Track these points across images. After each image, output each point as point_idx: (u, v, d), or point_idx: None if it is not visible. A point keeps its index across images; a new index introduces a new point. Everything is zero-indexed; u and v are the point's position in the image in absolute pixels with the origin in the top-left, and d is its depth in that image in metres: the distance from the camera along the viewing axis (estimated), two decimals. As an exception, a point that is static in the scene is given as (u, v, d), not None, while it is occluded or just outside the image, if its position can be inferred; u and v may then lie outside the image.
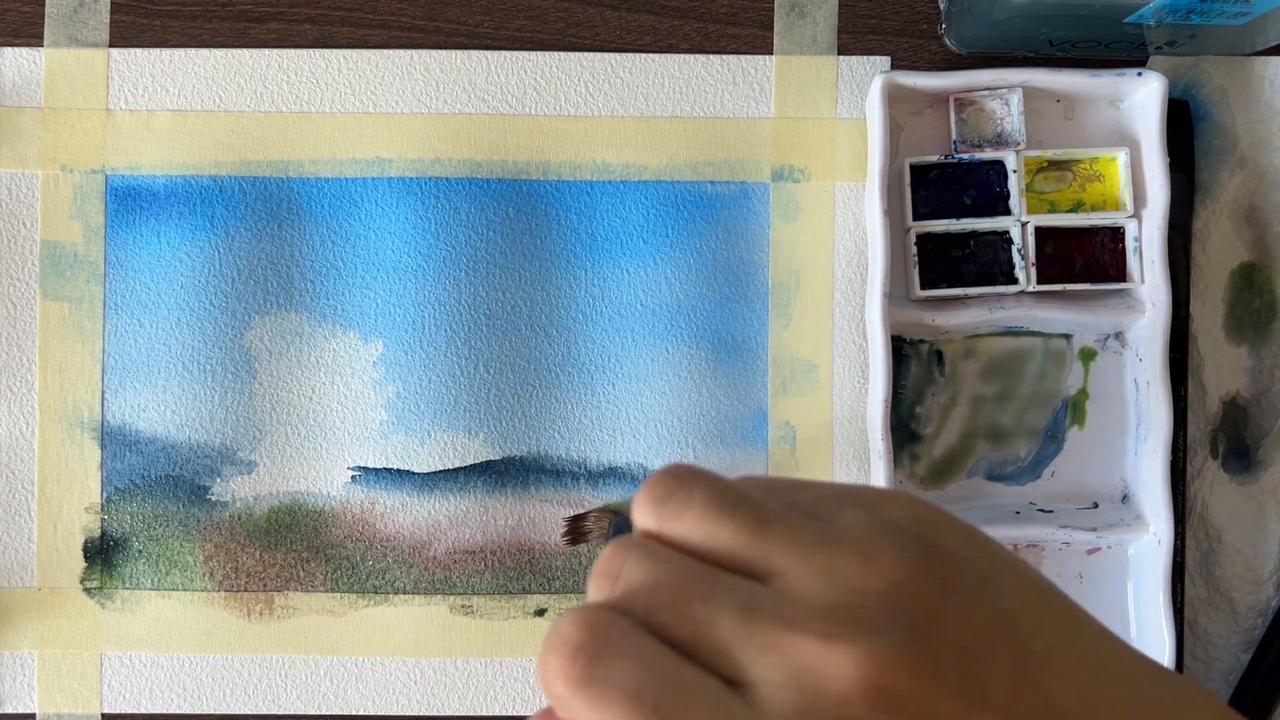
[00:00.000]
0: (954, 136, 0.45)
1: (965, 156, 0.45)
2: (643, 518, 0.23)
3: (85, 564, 0.46)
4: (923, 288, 0.44)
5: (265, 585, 0.46)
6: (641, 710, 0.21)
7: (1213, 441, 0.46)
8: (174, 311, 0.46)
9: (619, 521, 0.26)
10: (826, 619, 0.21)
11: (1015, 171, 0.44)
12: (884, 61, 0.47)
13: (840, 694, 0.21)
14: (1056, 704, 0.22)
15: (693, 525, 0.23)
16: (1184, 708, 0.23)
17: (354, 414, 0.46)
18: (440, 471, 0.46)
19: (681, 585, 0.22)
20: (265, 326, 0.46)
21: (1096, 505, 0.46)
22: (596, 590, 0.23)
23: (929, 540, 0.23)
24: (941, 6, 0.47)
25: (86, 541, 0.46)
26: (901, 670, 0.21)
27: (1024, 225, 0.44)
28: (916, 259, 0.44)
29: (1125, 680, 0.23)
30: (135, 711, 0.46)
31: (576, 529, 0.35)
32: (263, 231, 0.46)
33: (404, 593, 0.46)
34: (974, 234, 0.45)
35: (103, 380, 0.46)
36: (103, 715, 0.46)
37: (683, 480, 0.23)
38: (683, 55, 0.46)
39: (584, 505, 0.45)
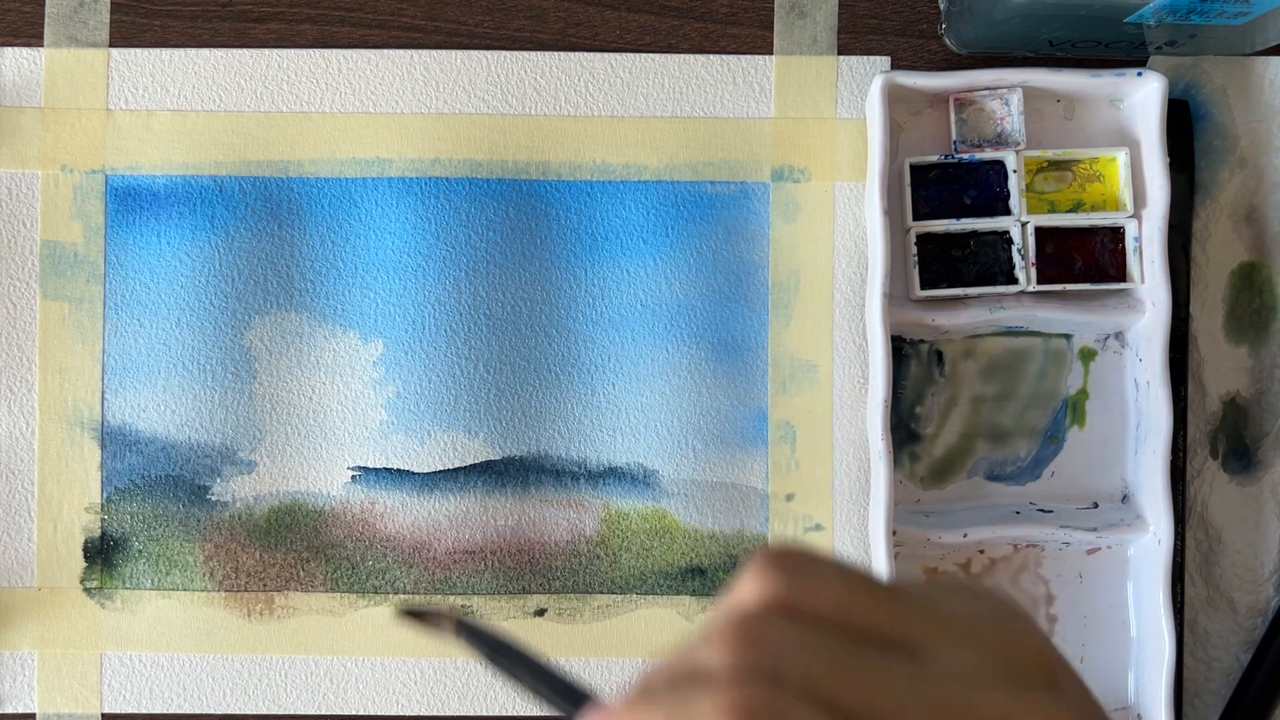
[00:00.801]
0: (954, 136, 0.45)
1: (965, 156, 0.45)
2: (772, 587, 0.21)
3: (85, 564, 0.46)
4: (923, 288, 0.44)
5: (265, 585, 0.46)
6: None
7: (1213, 441, 0.46)
8: (174, 311, 0.46)
9: (466, 628, 0.25)
10: (1000, 683, 0.21)
11: (1015, 171, 0.44)
12: (884, 61, 0.47)
13: None
14: None
15: (830, 593, 0.21)
16: None
17: (354, 414, 0.46)
18: (440, 471, 0.46)
19: (842, 651, 0.21)
20: (265, 326, 0.46)
21: (1096, 505, 0.46)
22: (735, 656, 0.21)
23: (1039, 630, 0.23)
24: (941, 6, 0.47)
25: (86, 541, 0.46)
26: None
27: (1024, 225, 0.44)
28: (916, 259, 0.44)
29: None
30: (135, 711, 0.46)
31: (415, 618, 0.33)
32: (263, 231, 0.46)
33: (404, 593, 0.46)
34: (974, 234, 0.45)
35: (103, 380, 0.46)
36: (103, 715, 0.46)
37: (810, 553, 0.22)
38: (683, 55, 0.46)
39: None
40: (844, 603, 0.21)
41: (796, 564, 0.22)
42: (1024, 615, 0.23)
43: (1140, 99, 0.45)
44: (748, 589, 0.22)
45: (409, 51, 0.46)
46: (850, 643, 0.21)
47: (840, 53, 0.46)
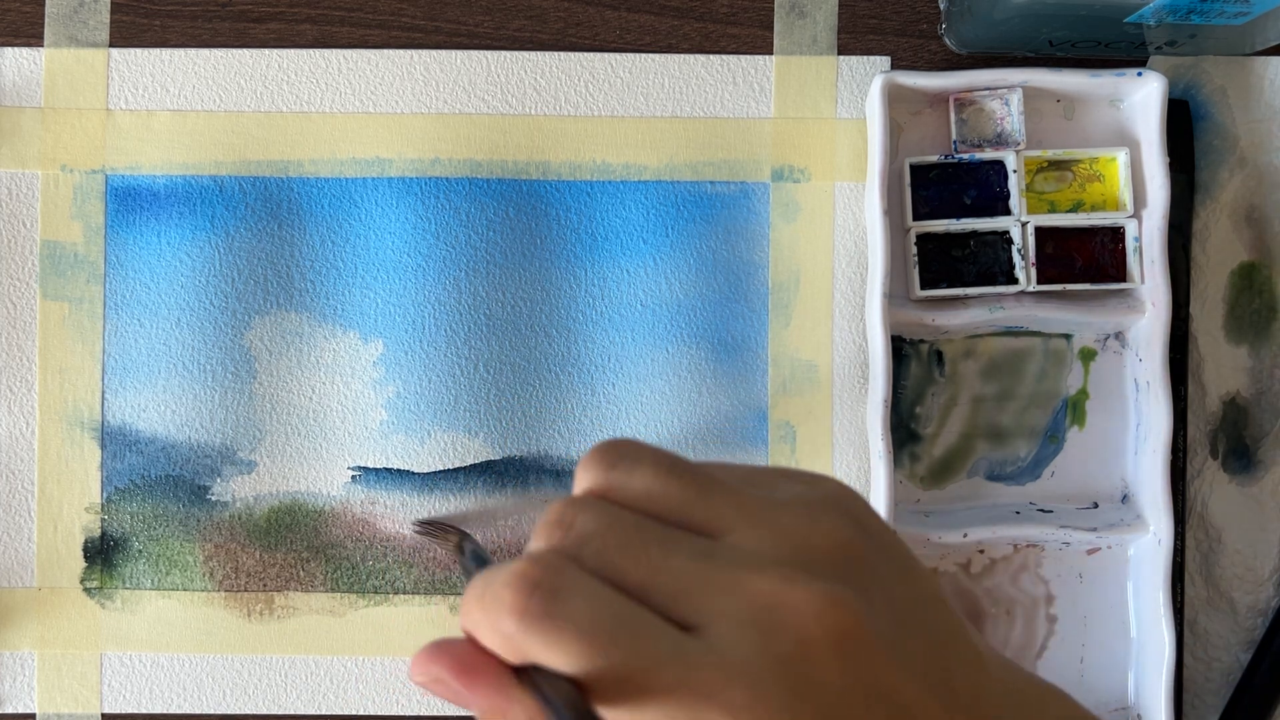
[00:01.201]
0: (954, 136, 0.45)
1: (965, 156, 0.45)
2: (591, 478, 0.24)
3: (85, 564, 0.46)
4: (923, 288, 0.44)
5: (265, 585, 0.46)
6: (595, 642, 0.21)
7: (1213, 441, 0.46)
8: (174, 311, 0.46)
9: (471, 543, 0.27)
10: (784, 565, 0.22)
11: (1015, 171, 0.44)
12: (884, 61, 0.47)
13: (801, 633, 0.22)
14: (955, 685, 0.23)
15: (640, 481, 0.23)
16: (1045, 699, 0.25)
17: (354, 414, 0.46)
18: (440, 471, 0.46)
19: (635, 532, 0.22)
20: (265, 326, 0.46)
21: (1096, 505, 0.46)
22: (546, 539, 0.23)
23: (858, 515, 0.24)
24: (941, 6, 0.47)
25: (86, 541, 0.46)
26: (854, 617, 0.22)
27: (1024, 225, 0.44)
28: (916, 259, 0.44)
29: (1005, 671, 0.25)
30: (135, 711, 0.46)
31: (426, 533, 0.34)
32: (263, 231, 0.46)
33: (404, 593, 0.46)
34: (974, 234, 0.45)
35: (103, 380, 0.46)
36: (103, 715, 0.46)
37: (630, 445, 0.24)
38: (683, 55, 0.46)
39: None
40: (654, 490, 0.23)
41: (616, 457, 0.24)
42: (844, 507, 0.24)
43: (1140, 99, 0.45)
44: (576, 481, 0.24)
45: (409, 51, 0.46)
46: (650, 525, 0.23)
47: (840, 53, 0.47)
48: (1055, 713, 0.25)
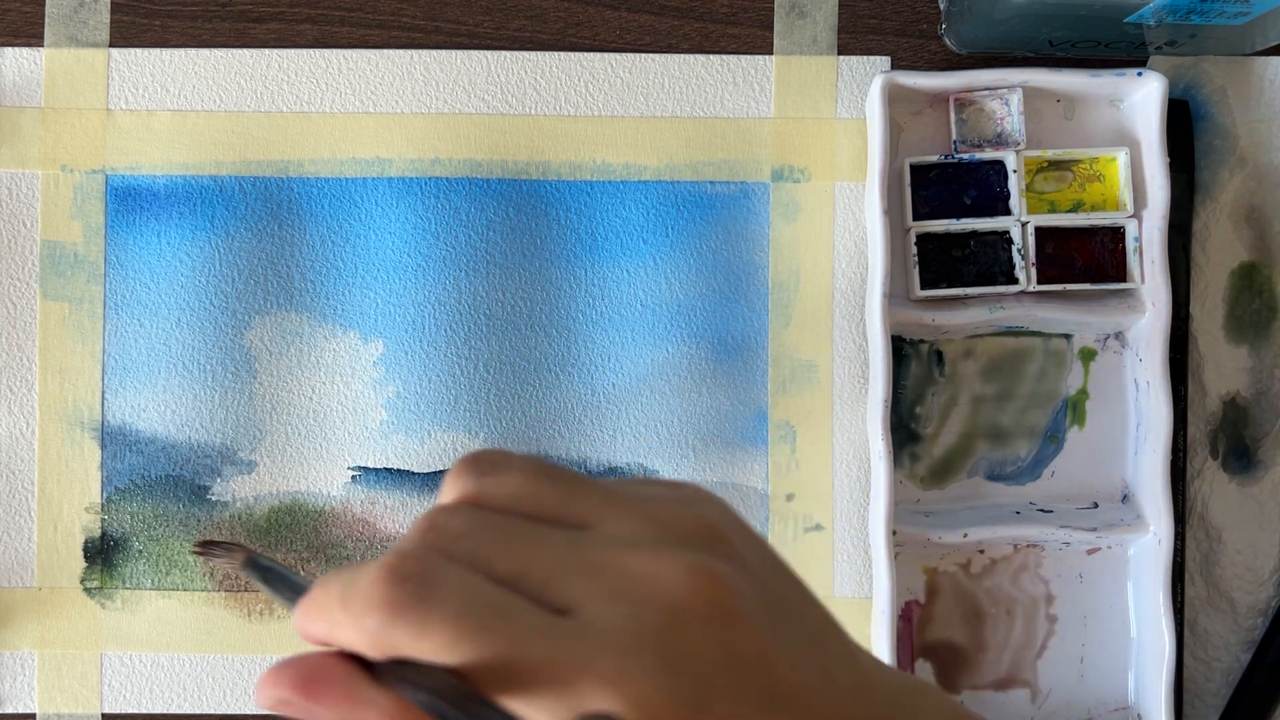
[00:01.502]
0: (954, 136, 0.45)
1: (965, 156, 0.45)
2: (461, 486, 0.24)
3: (85, 564, 0.46)
4: (923, 288, 0.44)
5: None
6: (468, 628, 0.21)
7: (1213, 441, 0.46)
8: (174, 311, 0.46)
9: (254, 558, 0.27)
10: (653, 543, 0.23)
11: (1015, 171, 0.44)
12: (884, 61, 0.47)
13: (670, 603, 0.22)
14: (832, 674, 0.23)
15: (511, 485, 0.24)
16: (919, 694, 0.26)
17: (354, 414, 0.46)
18: (440, 471, 0.46)
19: (504, 527, 0.23)
20: (265, 326, 0.46)
21: (1096, 505, 0.46)
22: (416, 543, 0.23)
23: (728, 513, 0.25)
24: (941, 6, 0.47)
25: (87, 541, 0.46)
26: (726, 587, 0.22)
27: (1024, 225, 0.44)
28: (916, 259, 0.44)
29: (874, 667, 0.25)
30: (135, 711, 0.46)
31: (208, 553, 0.34)
32: (263, 231, 0.46)
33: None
34: (974, 234, 0.45)
35: (103, 380, 0.46)
36: (103, 715, 0.46)
37: (499, 453, 0.24)
38: (683, 55, 0.46)
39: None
40: (523, 492, 0.24)
41: (484, 465, 0.24)
42: (705, 500, 0.25)
43: (1140, 99, 0.45)
44: (444, 492, 0.24)
45: (409, 51, 0.46)
46: (519, 521, 0.23)
47: (840, 53, 0.46)
48: (932, 708, 0.25)
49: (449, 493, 0.24)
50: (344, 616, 0.22)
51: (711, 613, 0.22)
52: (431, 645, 0.21)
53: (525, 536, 0.23)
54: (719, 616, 0.22)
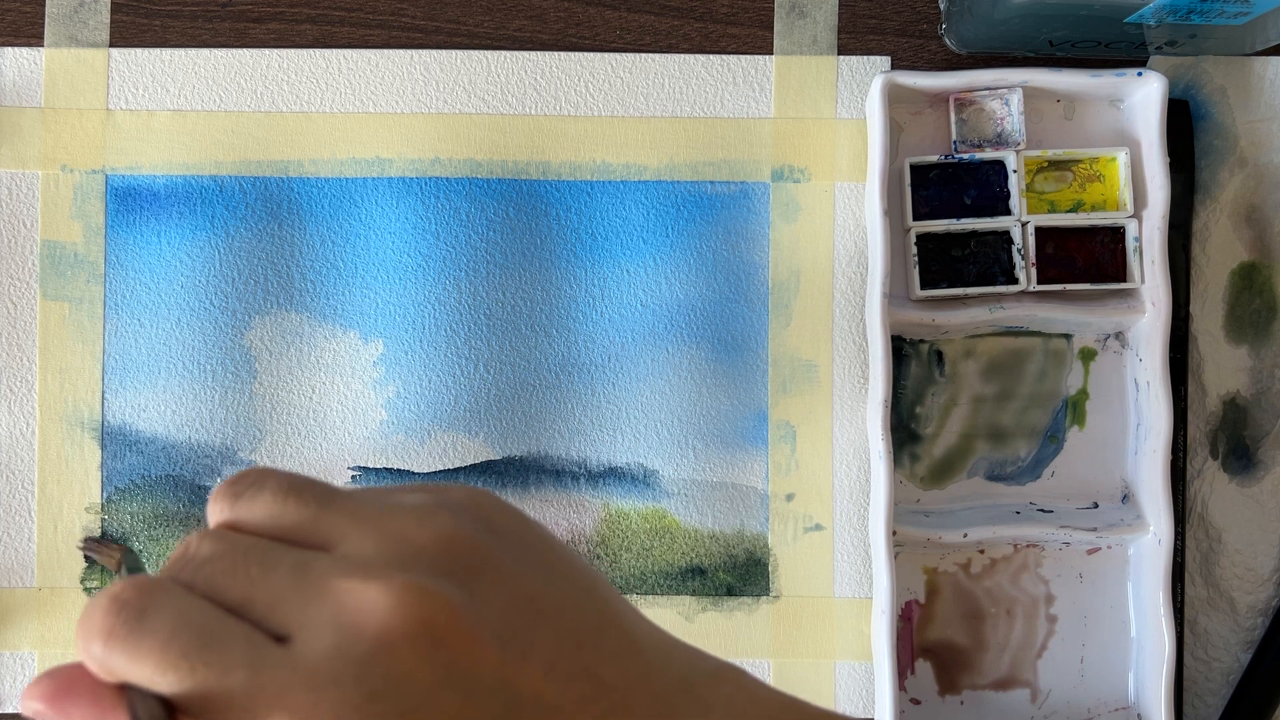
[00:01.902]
0: (954, 136, 0.45)
1: (965, 156, 0.45)
2: (218, 512, 0.25)
3: (85, 564, 0.46)
4: (923, 288, 0.44)
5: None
6: (171, 657, 0.21)
7: (1213, 441, 0.46)
8: (174, 311, 0.46)
9: (132, 559, 0.28)
10: (371, 566, 0.23)
11: (1015, 171, 0.44)
12: (884, 61, 0.47)
13: (376, 628, 0.22)
14: (600, 675, 0.23)
15: (260, 509, 0.24)
16: (717, 678, 0.25)
17: (354, 414, 0.46)
18: (440, 471, 0.46)
19: (243, 554, 0.23)
20: (265, 326, 0.46)
21: (1096, 505, 0.46)
22: (169, 570, 0.24)
23: (485, 516, 0.25)
24: (941, 6, 0.47)
25: (79, 543, 0.46)
26: (441, 608, 0.22)
27: (1024, 225, 0.44)
28: (916, 259, 0.45)
29: (664, 659, 0.25)
30: (135, 711, 0.46)
31: (90, 549, 0.35)
32: (263, 231, 0.46)
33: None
34: (974, 234, 0.45)
35: (103, 380, 0.46)
36: (103, 715, 0.46)
37: (256, 475, 0.25)
38: (683, 55, 0.46)
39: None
40: (273, 513, 0.24)
41: (241, 488, 0.25)
42: (468, 509, 0.25)
43: (1140, 99, 0.45)
44: (208, 517, 0.25)
45: (409, 51, 0.46)
46: (259, 546, 0.23)
47: (840, 53, 0.46)
48: (727, 693, 0.25)
49: (210, 517, 0.25)
50: (78, 639, 0.23)
51: (422, 634, 0.22)
52: (143, 673, 0.22)
53: (259, 562, 0.23)
54: (432, 638, 0.22)
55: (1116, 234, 0.45)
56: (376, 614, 0.22)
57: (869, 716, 0.46)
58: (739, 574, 0.46)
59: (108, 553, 0.29)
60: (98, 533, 0.46)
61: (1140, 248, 0.44)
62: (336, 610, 0.22)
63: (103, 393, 0.46)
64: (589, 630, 0.24)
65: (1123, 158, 0.44)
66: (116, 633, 0.22)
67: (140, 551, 0.46)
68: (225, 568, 0.23)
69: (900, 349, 0.46)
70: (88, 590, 0.46)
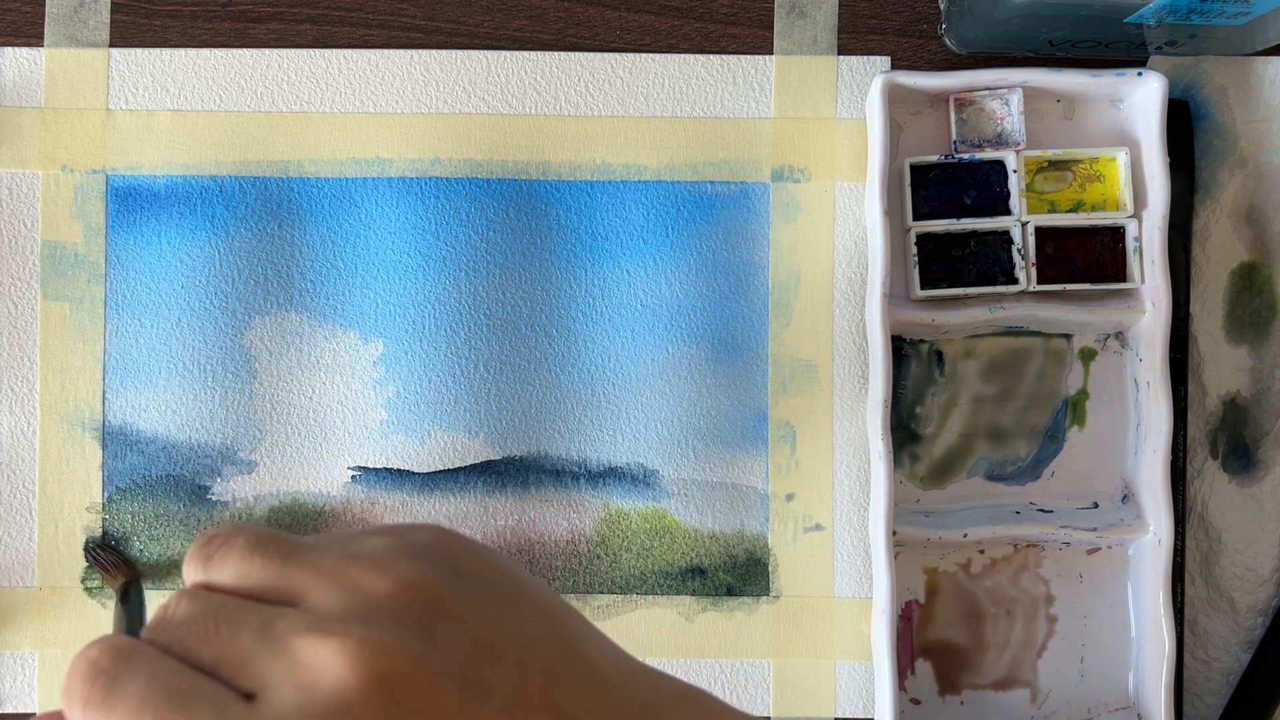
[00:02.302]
0: (954, 136, 0.45)
1: (965, 156, 0.45)
2: (192, 573, 0.26)
3: (86, 564, 0.46)
4: (923, 288, 0.44)
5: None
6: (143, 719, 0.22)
7: (1213, 441, 0.46)
8: (174, 311, 0.46)
9: (134, 594, 0.29)
10: (331, 620, 0.23)
11: (1015, 171, 0.44)
12: (884, 61, 0.47)
13: (334, 686, 0.22)
14: (562, 708, 0.24)
15: (229, 569, 0.25)
16: (680, 703, 0.26)
17: (354, 414, 0.46)
18: (440, 471, 0.46)
19: (213, 614, 0.24)
20: (265, 326, 0.46)
21: (1096, 505, 0.46)
22: (149, 633, 0.25)
23: (447, 557, 0.25)
24: (941, 6, 0.47)
25: (88, 541, 0.46)
26: (398, 660, 0.23)
27: (1024, 225, 0.44)
28: (916, 259, 0.45)
29: (627, 686, 0.25)
30: (136, 711, 0.46)
31: (97, 560, 0.35)
32: (263, 231, 0.46)
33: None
34: (974, 234, 0.45)
35: (104, 380, 0.46)
36: (103, 715, 0.46)
37: (225, 534, 0.25)
38: (683, 55, 0.46)
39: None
40: (241, 572, 0.25)
41: (212, 548, 0.25)
42: (429, 552, 0.25)
43: (1140, 99, 0.45)
44: (184, 577, 0.26)
45: (409, 51, 0.46)
46: (229, 605, 0.24)
47: (840, 53, 0.46)
48: (689, 717, 0.26)
49: (185, 577, 0.26)
50: (63, 705, 0.24)
51: (379, 690, 0.22)
52: None
53: (228, 621, 0.24)
54: (390, 693, 0.22)
55: (1116, 234, 0.45)
56: (334, 671, 0.22)
57: (869, 716, 0.46)
58: (739, 574, 0.46)
59: (114, 574, 0.30)
60: (99, 533, 0.46)
61: (1140, 248, 0.44)
62: (297, 668, 0.23)
63: (103, 393, 0.46)
64: (551, 665, 0.24)
65: (1123, 158, 0.44)
66: (93, 699, 0.23)
67: (141, 552, 0.46)
68: (198, 629, 0.24)
69: (900, 349, 0.46)
70: (88, 590, 0.46)
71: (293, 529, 0.46)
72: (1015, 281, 0.44)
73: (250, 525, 0.26)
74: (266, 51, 0.46)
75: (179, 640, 0.24)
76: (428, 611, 0.24)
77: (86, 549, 0.43)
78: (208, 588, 0.25)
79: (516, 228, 0.46)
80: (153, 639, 0.24)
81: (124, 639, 0.24)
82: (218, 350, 0.46)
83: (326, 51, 0.46)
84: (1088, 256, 0.45)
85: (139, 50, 0.46)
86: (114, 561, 0.29)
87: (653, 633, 0.46)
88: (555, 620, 0.26)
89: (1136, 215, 0.44)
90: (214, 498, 0.46)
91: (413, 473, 0.46)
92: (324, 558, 0.25)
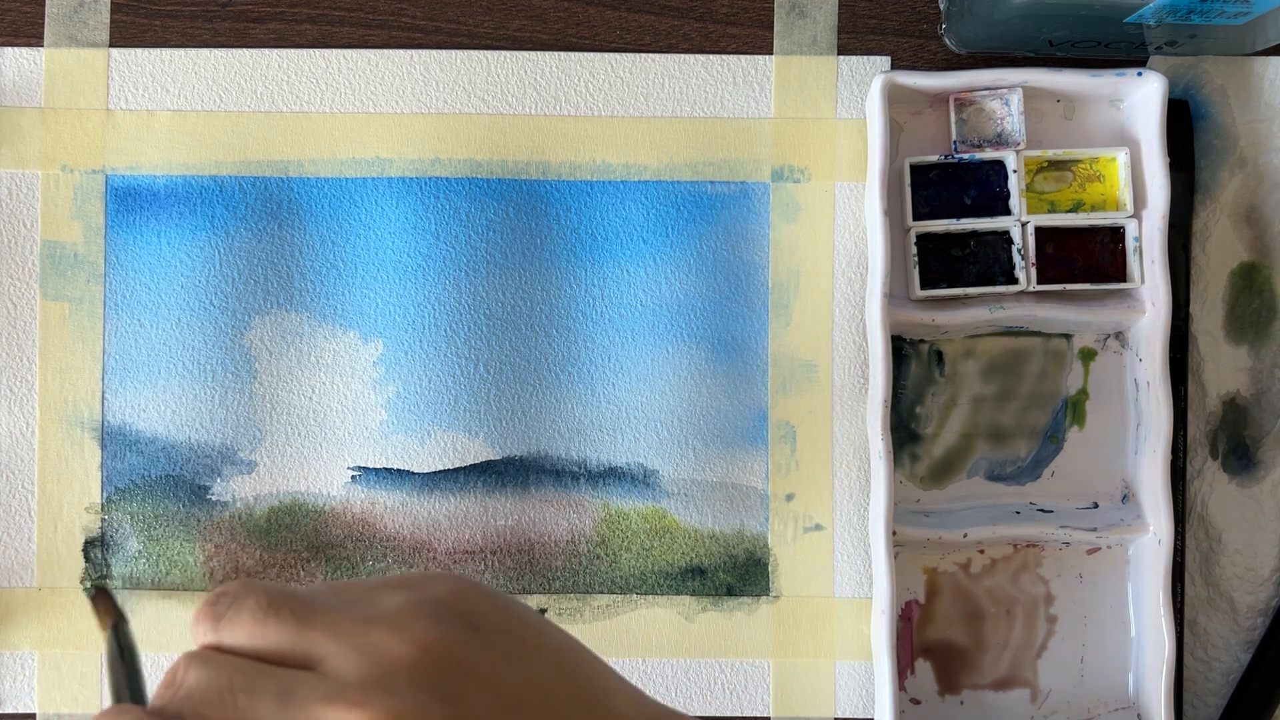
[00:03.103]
0: (954, 136, 0.45)
1: (965, 156, 0.45)
2: (202, 634, 0.25)
3: (85, 564, 0.46)
4: (923, 288, 0.44)
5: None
6: None
7: (1213, 441, 0.46)
8: (174, 311, 0.46)
9: (122, 632, 0.29)
10: (353, 689, 0.23)
11: (1015, 171, 0.44)
12: (884, 61, 0.47)
13: None
14: None
15: (242, 631, 0.24)
16: None
17: (354, 414, 0.46)
18: (440, 471, 0.46)
19: (228, 681, 0.24)
20: (265, 326, 0.46)
21: (1096, 505, 0.46)
22: (157, 698, 0.24)
23: (465, 610, 0.25)
24: (941, 6, 0.47)
25: (87, 541, 0.46)
26: None
27: (1024, 225, 0.44)
28: (916, 259, 0.45)
29: None
30: (135, 711, 0.46)
31: (93, 600, 0.35)
32: (263, 231, 0.46)
33: (404, 593, 0.46)
34: (974, 234, 0.45)
35: (103, 380, 0.46)
36: (103, 715, 0.46)
37: (235, 593, 0.25)
38: (683, 55, 0.46)
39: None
40: (254, 634, 0.24)
41: (223, 608, 0.25)
42: (447, 608, 0.25)
43: (1140, 99, 0.45)
44: (193, 637, 0.25)
45: (409, 51, 0.46)
46: (246, 671, 0.24)
47: (840, 53, 0.46)
48: None
49: (195, 638, 0.25)
50: None
51: None
52: None
53: (244, 690, 0.23)
54: None
55: (1116, 234, 0.45)
56: None
57: (869, 716, 0.46)
58: (739, 574, 0.46)
59: (103, 613, 0.29)
60: (99, 534, 0.46)
61: (1140, 248, 0.44)
62: None
63: (103, 393, 0.46)
64: (571, 715, 0.25)
65: (1123, 158, 0.44)
66: None
67: (141, 552, 0.46)
68: (212, 698, 0.24)
69: (900, 349, 0.46)
70: (87, 590, 0.46)
71: (293, 529, 0.46)
72: (1015, 281, 0.44)
73: (260, 583, 0.25)
74: (266, 51, 0.46)
75: (190, 709, 0.23)
76: (449, 674, 0.24)
77: (88, 594, 0.43)
78: (218, 649, 0.25)
79: (516, 228, 0.46)
80: (163, 708, 0.24)
81: (132, 711, 0.24)
82: (218, 350, 0.46)
83: (326, 51, 0.46)
84: (1088, 256, 0.45)
85: (139, 50, 0.46)
86: (109, 607, 0.29)
87: (652, 633, 0.46)
88: (576, 670, 0.26)
89: (1136, 215, 0.44)
90: (214, 498, 0.46)
91: (413, 473, 0.46)
92: (340, 620, 0.24)
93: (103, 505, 0.46)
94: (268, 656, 0.24)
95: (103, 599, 0.29)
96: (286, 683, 0.23)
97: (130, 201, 0.46)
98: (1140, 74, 0.44)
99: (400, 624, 0.24)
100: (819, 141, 0.46)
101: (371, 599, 0.25)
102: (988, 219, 0.44)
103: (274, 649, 0.24)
